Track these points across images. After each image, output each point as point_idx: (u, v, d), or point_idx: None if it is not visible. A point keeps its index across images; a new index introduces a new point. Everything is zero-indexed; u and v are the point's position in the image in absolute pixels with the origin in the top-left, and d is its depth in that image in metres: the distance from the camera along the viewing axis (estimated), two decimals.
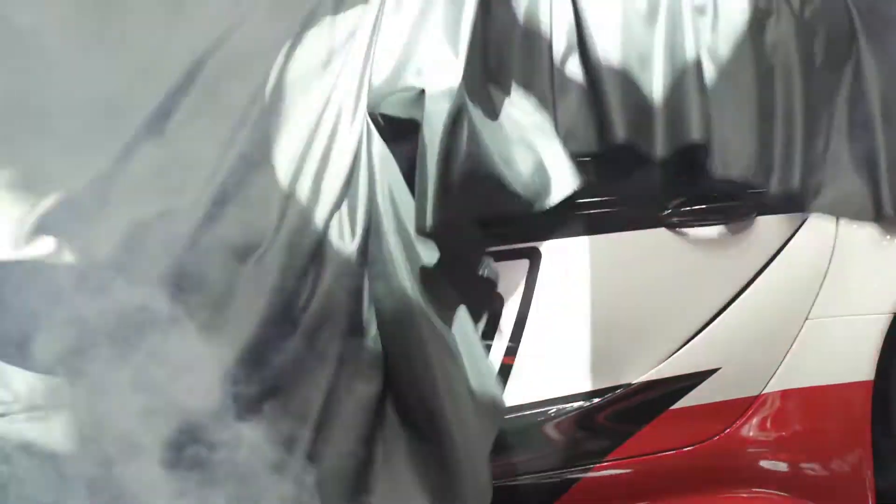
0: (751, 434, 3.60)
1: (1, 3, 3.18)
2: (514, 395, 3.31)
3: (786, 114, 3.46)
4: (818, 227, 3.55)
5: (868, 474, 3.60)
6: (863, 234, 3.61)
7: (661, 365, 3.47)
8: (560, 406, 3.41)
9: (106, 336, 2.86)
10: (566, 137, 3.29)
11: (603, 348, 3.41)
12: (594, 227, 3.38)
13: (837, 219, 3.58)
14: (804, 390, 3.59)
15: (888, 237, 3.55)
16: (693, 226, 3.45)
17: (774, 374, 3.57)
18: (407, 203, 3.02)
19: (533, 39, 3.45)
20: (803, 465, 3.62)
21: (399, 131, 3.07)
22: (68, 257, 2.88)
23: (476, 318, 3.21)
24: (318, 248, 2.99)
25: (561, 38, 3.44)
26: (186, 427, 2.88)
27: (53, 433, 2.92)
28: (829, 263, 3.57)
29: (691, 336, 3.49)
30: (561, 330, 3.35)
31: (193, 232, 2.90)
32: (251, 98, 3.09)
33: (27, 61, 3.09)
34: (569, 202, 3.30)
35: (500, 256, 3.27)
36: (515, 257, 3.30)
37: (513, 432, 3.34)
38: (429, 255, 2.97)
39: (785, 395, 3.60)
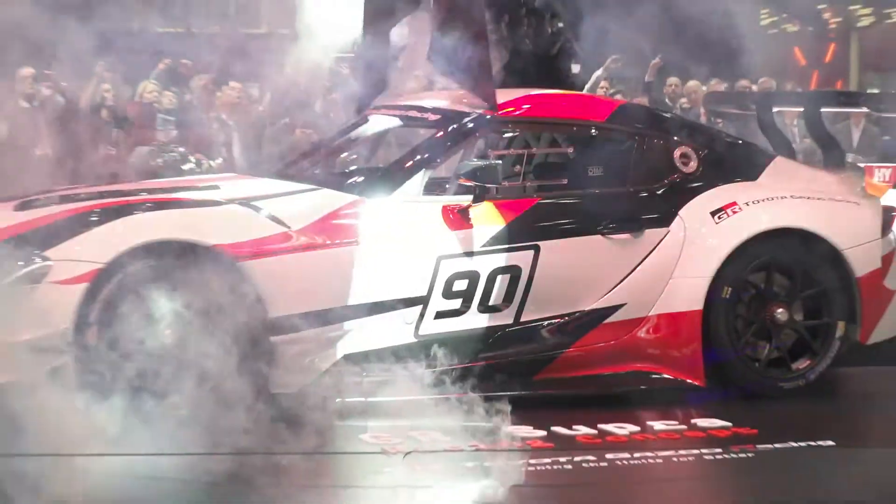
0: (642, 335, 5.88)
1: None
2: (529, 316, 5.72)
3: None
4: (675, 233, 5.91)
5: (699, 355, 5.81)
6: (696, 236, 5.88)
7: (598, 301, 5.84)
8: (550, 321, 5.77)
9: None
10: None
11: (571, 293, 5.79)
12: (566, 234, 5.81)
13: (685, 228, 5.88)
14: (669, 314, 5.86)
15: (710, 238, 5.84)
16: (614, 233, 5.87)
17: (654, 306, 5.87)
18: None
19: None
20: (667, 350, 5.84)
21: None
22: None
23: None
24: None
25: None
26: None
27: None
28: (680, 252, 5.88)
29: (613, 287, 5.86)
30: (550, 283, 5.71)
31: None
32: None
33: None
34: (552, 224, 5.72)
35: (510, 251, 5.55)
36: (526, 249, 5.69)
37: (527, 333, 5.71)
38: None
39: (659, 316, 5.87)
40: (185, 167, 9.01)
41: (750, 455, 5.04)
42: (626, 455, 4.97)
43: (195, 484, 4.35)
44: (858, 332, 6.15)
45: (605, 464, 4.87)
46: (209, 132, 9.66)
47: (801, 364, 6.06)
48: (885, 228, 6.32)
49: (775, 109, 7.47)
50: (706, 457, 5.01)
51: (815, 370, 6.04)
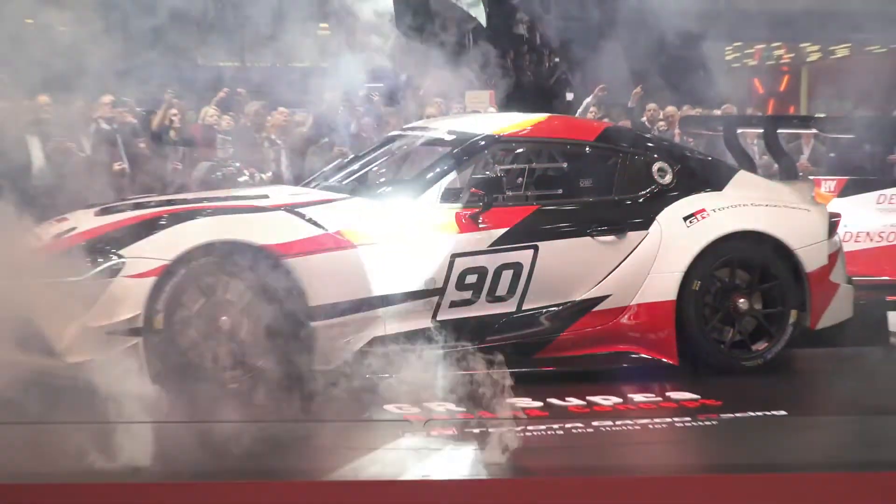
0: (624, 321, 5.86)
1: None
2: (530, 305, 5.73)
3: None
4: (653, 235, 5.90)
5: (673, 338, 5.79)
6: (671, 238, 5.89)
7: (588, 293, 5.84)
8: (547, 309, 5.77)
9: None
10: None
11: (565, 286, 5.79)
12: (561, 236, 5.83)
13: (662, 231, 5.88)
14: (647, 303, 5.85)
15: (682, 240, 5.83)
16: (601, 235, 5.89)
17: (634, 296, 5.86)
18: None
19: None
20: (646, 334, 5.84)
21: None
22: None
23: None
24: None
25: None
26: None
27: None
28: (657, 251, 5.89)
29: (600, 281, 5.86)
30: (547, 277, 5.73)
31: None
32: None
33: None
34: (549, 227, 5.73)
35: (510, 252, 5.58)
36: (527, 248, 5.70)
37: (527, 319, 5.74)
38: None
39: (639, 305, 5.85)
40: (240, 179, 9.01)
41: (714, 423, 5.05)
42: (610, 422, 4.98)
43: (242, 447, 4.35)
44: (808, 319, 6.12)
45: (591, 430, 4.87)
46: (261, 150, 9.67)
47: (760, 346, 6.05)
48: (831, 231, 6.29)
49: (739, 131, 7.45)
50: (677, 424, 5.03)
51: (771, 351, 6.03)
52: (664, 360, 5.90)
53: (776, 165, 7.08)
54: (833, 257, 6.21)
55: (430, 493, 3.83)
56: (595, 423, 4.95)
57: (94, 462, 4.01)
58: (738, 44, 20.68)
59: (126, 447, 4.10)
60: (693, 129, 9.30)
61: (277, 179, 9.30)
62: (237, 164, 9.23)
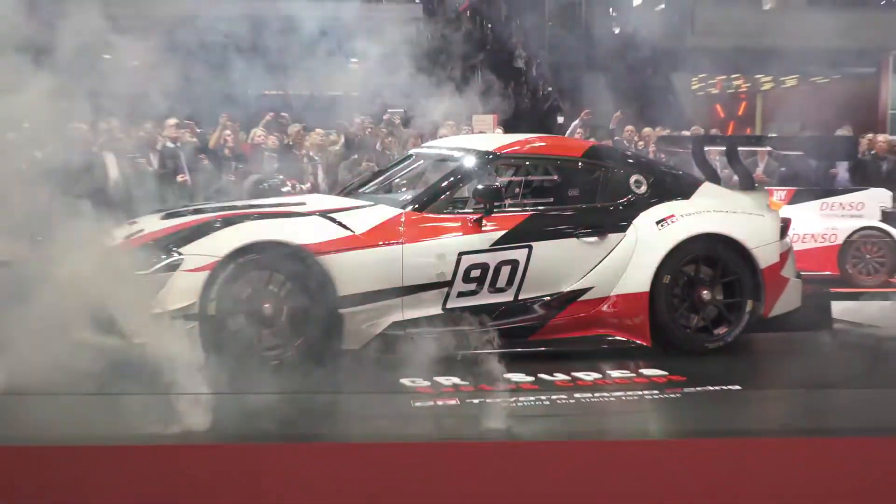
0: (605, 309, 5.79)
1: None
2: (525, 295, 5.64)
3: None
4: (630, 237, 5.85)
5: (646, 323, 5.73)
6: (645, 239, 5.84)
7: (574, 285, 5.77)
8: (540, 299, 5.70)
9: None
10: None
11: (555, 279, 5.72)
12: (552, 237, 5.76)
13: (637, 233, 5.81)
14: (625, 294, 5.78)
15: (655, 240, 5.78)
16: (585, 237, 5.83)
17: (614, 288, 5.79)
18: None
19: None
20: (623, 320, 5.77)
21: None
22: None
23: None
24: None
25: None
26: None
27: None
28: (633, 250, 5.83)
29: (584, 275, 5.79)
30: (539, 272, 5.67)
31: None
32: None
33: None
34: (541, 230, 5.68)
35: (508, 250, 5.52)
36: (522, 248, 5.66)
37: (523, 307, 5.65)
38: None
39: (618, 296, 5.78)
40: (283, 190, 9.01)
41: (679, 395, 5.01)
42: (589, 394, 4.94)
43: (279, 415, 4.35)
44: (762, 308, 6.05)
45: (573, 400, 4.83)
46: (300, 165, 9.69)
47: (721, 330, 5.98)
48: (783, 233, 6.21)
49: (706, 148, 7.37)
50: (647, 396, 4.99)
51: (731, 335, 5.95)
52: (639, 341, 5.85)
53: (735, 177, 6.96)
54: (784, 256, 6.13)
55: (435, 454, 3.79)
56: (577, 395, 4.91)
57: (153, 427, 4.01)
58: (703, 75, 20.74)
59: (180, 415, 4.09)
60: (668, 147, 9.25)
61: (314, 190, 9.32)
62: (280, 177, 9.23)
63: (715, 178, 6.86)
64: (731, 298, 6.03)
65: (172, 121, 9.13)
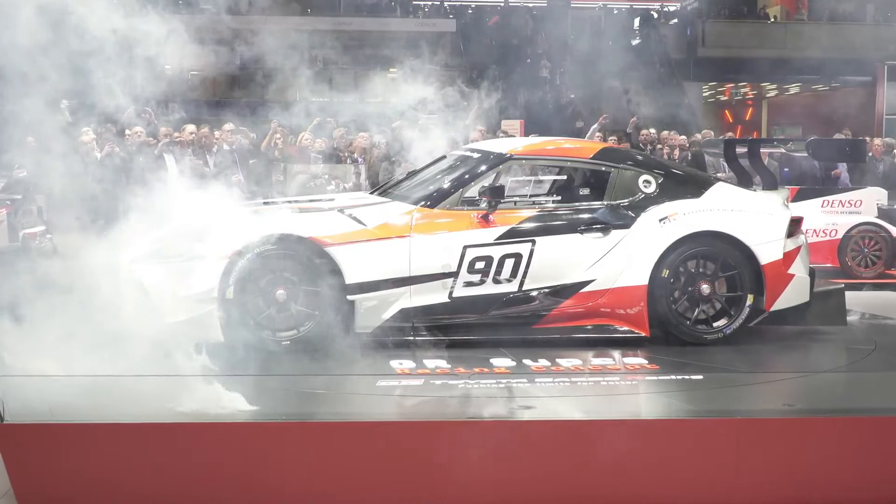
0: (603, 301, 5.26)
1: None
2: (528, 286, 5.17)
3: None
4: (633, 233, 5.29)
5: (645, 314, 5.20)
6: (647, 235, 5.25)
7: (576, 277, 5.25)
8: (542, 290, 5.20)
9: None
10: None
11: (557, 272, 5.22)
12: (554, 232, 5.24)
13: (640, 229, 5.25)
14: (625, 286, 5.25)
15: (655, 237, 5.23)
16: (589, 232, 5.31)
17: (615, 281, 5.25)
18: None
19: None
20: (620, 310, 5.25)
21: None
22: None
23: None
24: None
25: None
26: None
27: None
28: (635, 245, 5.25)
29: (587, 268, 5.27)
30: (542, 265, 5.18)
31: None
32: None
33: None
34: (544, 225, 5.17)
35: (512, 244, 5.08)
36: (525, 242, 5.17)
37: (526, 298, 5.18)
38: None
39: (618, 288, 5.25)
40: (328, 188, 8.67)
41: (653, 378, 4.59)
42: (566, 379, 4.57)
43: (291, 394, 4.13)
44: (763, 302, 5.39)
45: (554, 384, 4.47)
46: (345, 166, 9.35)
47: (721, 322, 5.38)
48: (791, 232, 5.50)
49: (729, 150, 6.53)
50: (624, 382, 4.58)
51: (730, 327, 5.35)
52: (637, 331, 5.30)
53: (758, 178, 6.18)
54: (791, 253, 5.46)
55: (419, 432, 3.51)
56: (558, 379, 4.52)
57: (166, 406, 3.75)
58: (713, 83, 20.16)
59: (197, 395, 3.84)
60: (707, 149, 8.67)
61: (357, 188, 8.92)
62: (326, 176, 8.90)
63: (746, 178, 6.17)
64: (733, 293, 5.41)
65: (228, 125, 8.86)
